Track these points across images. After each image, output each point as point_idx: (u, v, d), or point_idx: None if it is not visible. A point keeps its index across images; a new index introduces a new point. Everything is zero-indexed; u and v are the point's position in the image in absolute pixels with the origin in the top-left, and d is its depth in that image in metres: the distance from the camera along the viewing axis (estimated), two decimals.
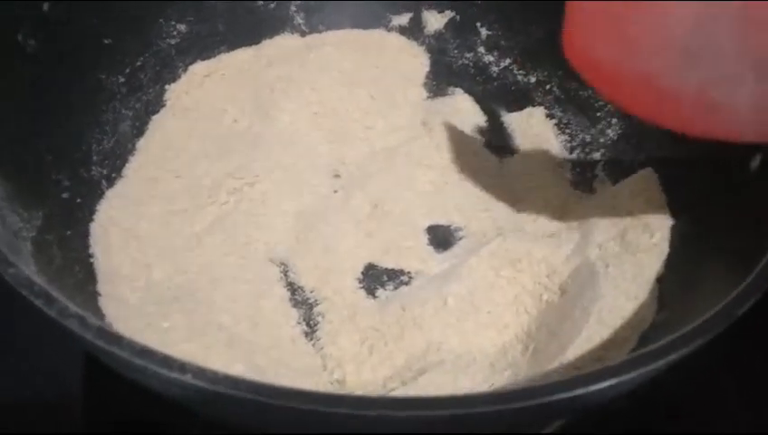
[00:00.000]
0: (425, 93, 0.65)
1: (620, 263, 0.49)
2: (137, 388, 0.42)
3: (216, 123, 0.59)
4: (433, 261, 0.53)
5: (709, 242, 0.47)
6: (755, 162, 0.45)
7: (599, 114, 0.61)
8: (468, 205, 0.56)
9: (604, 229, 0.52)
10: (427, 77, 0.67)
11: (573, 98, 0.63)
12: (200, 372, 0.29)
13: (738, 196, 0.46)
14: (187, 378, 0.29)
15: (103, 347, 0.30)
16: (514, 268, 0.50)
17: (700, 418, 0.50)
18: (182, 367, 0.29)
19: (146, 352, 0.30)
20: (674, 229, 0.50)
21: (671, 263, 0.49)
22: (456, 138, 0.60)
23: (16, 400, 0.48)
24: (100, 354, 0.31)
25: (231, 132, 0.59)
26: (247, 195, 0.54)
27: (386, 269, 0.52)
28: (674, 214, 0.51)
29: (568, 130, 0.62)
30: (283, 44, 0.65)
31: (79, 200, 0.51)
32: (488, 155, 0.60)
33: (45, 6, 0.51)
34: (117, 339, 0.30)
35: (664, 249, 0.49)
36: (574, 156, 0.61)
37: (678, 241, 0.50)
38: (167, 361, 0.29)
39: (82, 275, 0.47)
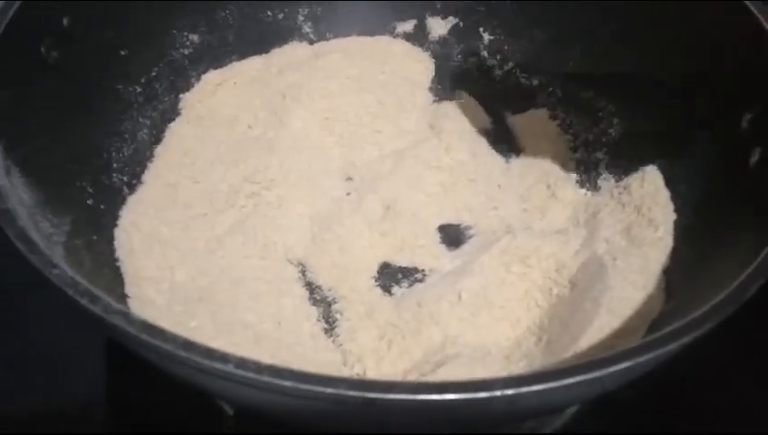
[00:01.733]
0: (431, 97, 0.67)
1: (627, 256, 0.51)
2: (160, 392, 0.44)
3: (230, 130, 0.61)
4: (445, 258, 0.55)
5: (712, 235, 0.49)
6: (755, 157, 0.47)
7: (600, 114, 0.63)
8: (477, 204, 0.58)
9: (610, 225, 0.54)
10: (433, 81, 0.69)
11: (575, 99, 0.65)
12: (242, 362, 0.30)
13: (738, 190, 0.48)
14: (230, 368, 0.30)
15: (148, 341, 0.31)
16: (524, 264, 0.52)
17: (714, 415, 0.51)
18: (224, 357, 0.31)
19: (189, 345, 0.31)
20: (677, 223, 0.52)
21: (676, 255, 0.51)
22: (463, 139, 0.62)
23: (41, 406, 0.50)
24: (144, 349, 0.33)
25: (245, 138, 0.60)
26: (264, 198, 0.56)
27: (400, 267, 0.54)
28: (677, 208, 0.53)
29: (571, 130, 0.64)
30: (291, 53, 0.67)
31: (103, 206, 0.52)
32: (494, 156, 0.62)
33: (65, 21, 0.52)
34: (161, 333, 0.32)
35: (668, 242, 0.51)
36: (578, 155, 0.62)
37: (682, 235, 0.52)
38: (209, 352, 0.31)
39: (111, 278, 0.48)
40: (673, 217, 0.53)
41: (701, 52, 0.54)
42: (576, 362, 0.30)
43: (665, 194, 0.54)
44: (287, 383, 0.30)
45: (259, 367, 0.30)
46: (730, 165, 0.50)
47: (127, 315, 0.32)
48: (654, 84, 0.59)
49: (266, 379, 0.30)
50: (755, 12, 0.49)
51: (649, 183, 0.55)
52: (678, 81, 0.56)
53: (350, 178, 0.59)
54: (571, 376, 0.29)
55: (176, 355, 0.31)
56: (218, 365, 0.30)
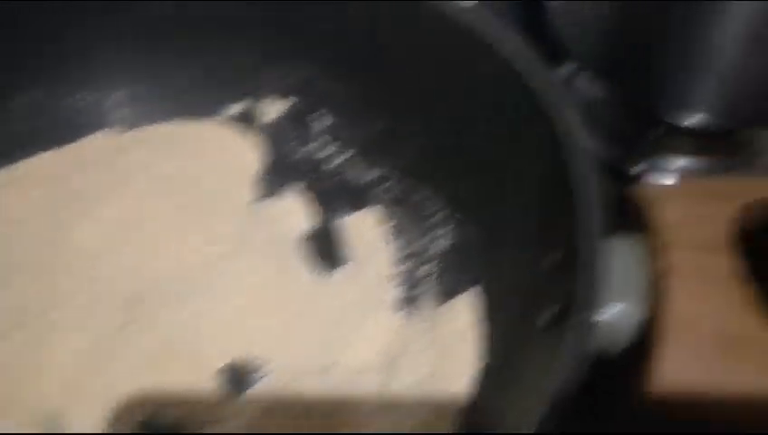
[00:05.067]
0: (251, 196, 0.60)
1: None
2: None
3: (6, 244, 0.54)
4: (227, 410, 0.48)
5: (510, 383, 0.44)
6: (546, 315, 0.42)
7: (432, 220, 0.58)
8: (272, 337, 0.51)
9: (414, 368, 0.49)
10: (258, 175, 0.62)
11: (409, 200, 0.59)
12: None
13: (532, 342, 0.43)
14: None
15: None
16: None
17: None
18: None
19: None
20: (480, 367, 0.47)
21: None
22: (278, 250, 0.56)
23: None
24: None
25: (20, 254, 0.53)
26: (31, 330, 0.49)
27: (167, 424, 0.48)
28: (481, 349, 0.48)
29: (403, 237, 0.58)
30: (93, 146, 0.59)
31: None
32: (305, 274, 0.56)
33: None
34: None
35: (468, 388, 0.46)
36: (404, 268, 0.57)
37: (484, 379, 0.46)
38: None
39: None
40: (478, 359, 0.47)
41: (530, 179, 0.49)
42: None
43: (473, 330, 0.49)
44: None
45: None
46: (527, 313, 0.44)
47: None
48: (486, 193, 0.53)
49: None
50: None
51: (464, 313, 0.50)
52: (512, 201, 0.51)
53: (132, 304, 0.52)
54: None
55: None
56: None
